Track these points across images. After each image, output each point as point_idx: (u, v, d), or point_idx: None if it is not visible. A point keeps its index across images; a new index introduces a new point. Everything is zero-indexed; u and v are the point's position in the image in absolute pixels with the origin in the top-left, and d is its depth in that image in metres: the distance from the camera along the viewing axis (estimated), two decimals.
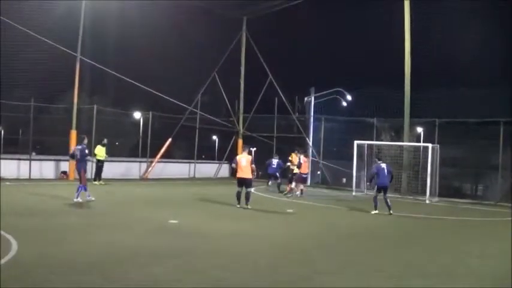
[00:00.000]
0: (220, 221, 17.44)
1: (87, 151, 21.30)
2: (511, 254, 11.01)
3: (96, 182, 28.71)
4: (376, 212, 21.04)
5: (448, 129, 31.28)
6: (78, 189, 20.28)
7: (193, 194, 26.67)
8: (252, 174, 21.44)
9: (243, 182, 21.15)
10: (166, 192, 25.00)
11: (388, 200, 21.18)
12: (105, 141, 29.95)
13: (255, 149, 42.43)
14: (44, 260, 10.48)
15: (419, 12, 31.24)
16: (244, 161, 21.20)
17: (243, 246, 13.35)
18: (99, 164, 29.68)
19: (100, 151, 29.63)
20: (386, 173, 21.43)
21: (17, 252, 10.94)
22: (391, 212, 20.83)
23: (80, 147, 20.95)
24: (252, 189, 21.90)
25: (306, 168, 28.23)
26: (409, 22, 31.28)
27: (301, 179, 27.80)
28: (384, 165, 21.67)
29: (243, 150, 22.46)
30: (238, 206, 21.01)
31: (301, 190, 27.63)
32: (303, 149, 29.46)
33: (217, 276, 10.09)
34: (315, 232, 16.38)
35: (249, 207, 20.79)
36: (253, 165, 21.49)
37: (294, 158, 29.64)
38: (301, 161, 27.37)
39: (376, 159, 23.13)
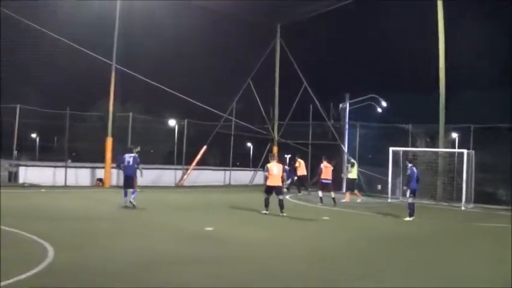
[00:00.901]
0: (255, 228, 17.53)
1: (139, 159, 22.28)
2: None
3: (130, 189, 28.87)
4: (411, 219, 20.64)
5: (482, 135, 30.91)
6: (133, 193, 21.64)
7: (229, 201, 26.73)
8: (283, 184, 21.97)
9: (273, 190, 21.37)
10: (201, 199, 25.10)
11: None
12: (139, 148, 30.04)
13: (289, 155, 42.44)
14: (79, 266, 10.61)
15: (453, 19, 31.02)
16: (276, 169, 21.41)
17: (279, 252, 13.38)
18: None
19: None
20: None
21: (53, 259, 11.06)
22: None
23: (133, 155, 22.19)
24: (287, 196, 22.03)
25: (327, 174, 27.34)
26: (443, 28, 30.98)
27: (322, 185, 27.22)
28: (414, 169, 21.30)
29: (272, 159, 22.25)
30: (266, 212, 21.26)
31: (321, 198, 26.66)
32: (325, 155, 29.32)
33: (250, 283, 10.14)
34: (350, 239, 16.30)
35: (284, 214, 20.80)
36: (284, 174, 21.66)
37: (299, 164, 31.83)
38: (322, 167, 27.24)
39: (408, 162, 22.61)
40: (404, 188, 21.41)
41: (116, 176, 31.75)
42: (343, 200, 28.27)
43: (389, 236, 17.30)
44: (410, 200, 20.89)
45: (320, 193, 26.83)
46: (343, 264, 12.35)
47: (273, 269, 11.47)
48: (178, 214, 20.57)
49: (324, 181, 27.16)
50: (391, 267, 12.15)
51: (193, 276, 10.35)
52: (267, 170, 21.60)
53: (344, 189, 32.64)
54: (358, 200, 28.99)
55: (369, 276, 11.11)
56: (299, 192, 32.12)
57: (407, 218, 20.69)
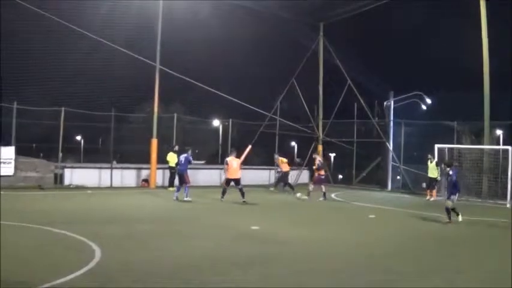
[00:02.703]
0: (301, 227, 17.54)
1: (190, 158, 25.30)
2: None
3: (170, 189, 29.23)
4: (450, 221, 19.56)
5: None
6: (185, 189, 24.45)
7: (274, 200, 26.98)
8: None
9: (232, 181, 25.01)
10: (247, 198, 25.31)
11: None
12: (177, 148, 30.44)
13: (334, 154, 42.47)
14: (127, 268, 10.77)
15: (496, 12, 30.67)
16: (235, 163, 24.90)
17: (325, 251, 13.45)
18: (172, 171, 30.08)
19: (172, 158, 30.11)
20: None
21: (100, 259, 11.28)
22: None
23: (185, 155, 25.22)
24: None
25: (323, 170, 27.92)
26: (485, 22, 30.64)
27: (320, 180, 27.67)
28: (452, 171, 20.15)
29: (231, 153, 25.81)
30: (222, 199, 24.61)
31: (324, 193, 27.43)
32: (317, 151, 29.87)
33: (299, 282, 10.28)
34: (398, 237, 16.31)
35: (245, 200, 24.03)
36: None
37: (280, 161, 32.09)
38: (318, 162, 27.65)
39: (451, 164, 21.97)
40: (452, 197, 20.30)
41: (161, 177, 32.18)
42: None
43: (438, 234, 17.26)
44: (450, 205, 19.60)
45: (311, 187, 27.53)
46: (393, 262, 12.44)
47: (326, 268, 11.60)
48: (225, 214, 20.77)
49: (322, 176, 27.65)
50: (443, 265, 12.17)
51: (244, 277, 10.47)
52: (227, 164, 25.17)
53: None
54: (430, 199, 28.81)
55: (421, 274, 11.20)
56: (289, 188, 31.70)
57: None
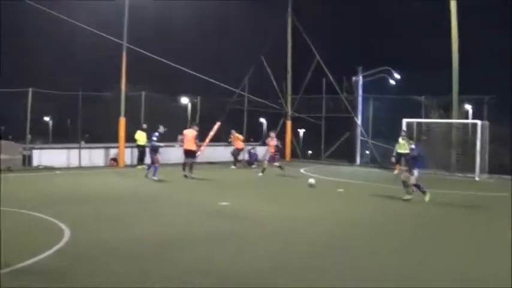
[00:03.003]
0: (270, 203, 17.73)
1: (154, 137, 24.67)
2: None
3: (139, 167, 29.21)
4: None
5: (498, 106, 30.87)
6: (154, 169, 23.74)
7: (243, 177, 26.99)
8: (197, 149, 26.35)
9: (187, 153, 25.28)
10: (215, 175, 25.32)
11: None
12: (145, 126, 30.23)
13: (303, 130, 42.54)
14: (97, 247, 10.77)
15: None
16: (190, 135, 25.22)
17: (296, 227, 13.63)
18: (141, 149, 30.20)
19: (140, 136, 30.01)
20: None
21: (69, 239, 11.27)
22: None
23: (156, 133, 24.69)
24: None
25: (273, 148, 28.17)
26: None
27: (273, 158, 28.21)
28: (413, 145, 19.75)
29: (191, 126, 26.37)
30: (184, 173, 25.12)
31: (264, 169, 27.50)
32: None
33: (270, 256, 10.39)
34: (367, 212, 16.48)
35: (193, 176, 24.56)
36: (197, 141, 25.67)
37: (235, 137, 32.64)
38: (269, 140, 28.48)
39: (407, 138, 21.60)
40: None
41: (130, 155, 31.98)
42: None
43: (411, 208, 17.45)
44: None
45: (266, 163, 27.67)
46: (360, 236, 12.65)
47: (298, 242, 11.76)
48: (193, 191, 20.75)
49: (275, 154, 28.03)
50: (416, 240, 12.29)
51: (215, 252, 10.56)
52: (183, 135, 25.53)
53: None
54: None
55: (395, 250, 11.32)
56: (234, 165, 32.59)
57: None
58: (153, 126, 26.58)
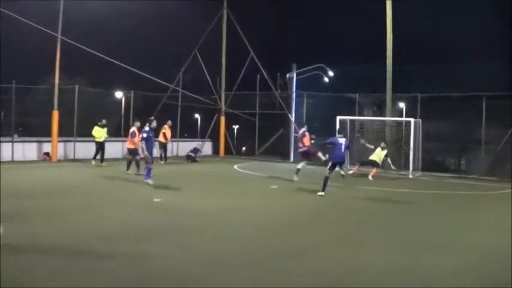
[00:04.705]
0: (204, 198, 17.65)
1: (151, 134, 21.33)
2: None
3: (93, 162, 28.40)
4: (323, 194, 19.13)
5: (431, 104, 31.46)
6: (148, 171, 20.60)
7: (176, 172, 26.76)
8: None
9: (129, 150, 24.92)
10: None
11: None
12: (104, 121, 29.01)
13: (237, 126, 42.50)
14: (31, 243, 10.48)
15: None
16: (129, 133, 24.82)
17: (230, 221, 13.62)
18: (98, 146, 28.69)
19: (98, 132, 28.60)
20: (343, 148, 19.94)
21: (1, 234, 10.87)
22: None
23: (147, 129, 21.11)
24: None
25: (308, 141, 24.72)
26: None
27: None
28: (342, 140, 19.97)
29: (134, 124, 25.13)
30: (128, 172, 24.59)
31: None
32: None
33: (210, 251, 10.32)
34: (299, 207, 16.57)
35: (140, 173, 22.86)
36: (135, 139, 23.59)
37: (167, 130, 31.51)
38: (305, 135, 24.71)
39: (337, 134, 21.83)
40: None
41: (63, 150, 31.40)
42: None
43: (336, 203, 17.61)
44: (327, 174, 19.39)
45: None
46: (297, 232, 12.64)
47: (233, 237, 11.74)
48: (127, 186, 20.48)
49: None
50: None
51: (153, 247, 10.43)
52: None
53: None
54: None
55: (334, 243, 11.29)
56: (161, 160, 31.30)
57: (321, 193, 19.12)
58: (93, 121, 26.07)
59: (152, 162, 20.71)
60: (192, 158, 34.40)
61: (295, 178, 23.64)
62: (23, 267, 8.85)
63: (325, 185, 19.11)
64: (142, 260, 9.50)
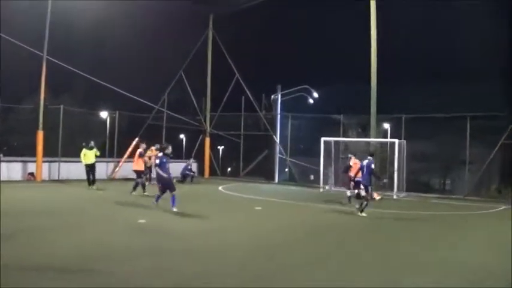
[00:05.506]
0: (189, 220, 17.44)
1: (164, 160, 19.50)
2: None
3: (94, 187, 26.82)
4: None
5: (415, 125, 31.64)
6: (172, 199, 19.06)
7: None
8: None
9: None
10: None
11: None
12: (92, 143, 27.75)
13: (222, 147, 42.57)
14: (13, 263, 10.28)
15: (386, 9, 31.51)
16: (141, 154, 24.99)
17: (214, 243, 13.42)
18: (87, 169, 27.20)
19: (86, 155, 27.00)
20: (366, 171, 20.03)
21: None
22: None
23: (161, 154, 19.77)
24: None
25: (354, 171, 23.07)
26: (375, 19, 31.37)
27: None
28: (364, 162, 20.31)
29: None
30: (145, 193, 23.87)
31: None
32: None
33: (190, 273, 10.19)
34: (285, 229, 16.44)
35: (146, 194, 23.50)
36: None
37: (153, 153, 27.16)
38: (351, 163, 23.87)
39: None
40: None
41: (47, 170, 31.31)
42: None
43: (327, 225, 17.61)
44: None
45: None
46: (280, 253, 12.53)
47: (215, 259, 11.58)
48: (113, 208, 20.34)
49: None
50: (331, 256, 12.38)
51: (134, 269, 10.32)
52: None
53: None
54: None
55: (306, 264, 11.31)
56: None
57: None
58: (78, 141, 25.86)
59: (175, 189, 19.24)
60: (190, 176, 33.95)
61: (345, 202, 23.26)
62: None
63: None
64: (121, 280, 9.48)
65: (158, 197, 19.40)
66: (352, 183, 22.91)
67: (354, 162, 23.45)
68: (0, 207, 15.27)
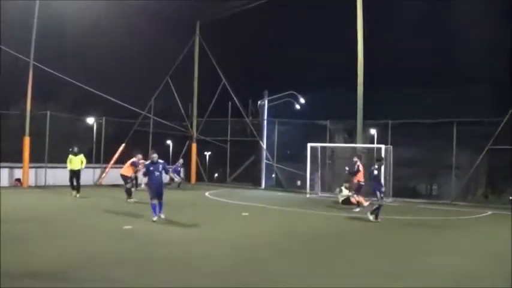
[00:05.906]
0: (175, 226, 17.40)
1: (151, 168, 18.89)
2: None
3: (78, 195, 26.06)
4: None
5: (401, 130, 31.72)
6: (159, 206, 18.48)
7: (147, 200, 26.62)
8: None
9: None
10: (120, 198, 24.78)
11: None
12: (76, 149, 27.12)
13: (209, 153, 42.55)
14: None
15: (372, 14, 31.64)
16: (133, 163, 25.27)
17: (200, 250, 13.39)
18: (71, 174, 26.41)
19: (72, 161, 26.33)
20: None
21: None
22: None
23: (162, 161, 19.07)
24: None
25: (362, 176, 24.07)
26: (361, 24, 31.43)
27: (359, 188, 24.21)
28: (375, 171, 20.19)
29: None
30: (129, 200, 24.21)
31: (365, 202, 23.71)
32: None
33: (172, 280, 10.18)
34: (271, 235, 16.45)
35: (129, 200, 24.04)
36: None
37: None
38: (360, 168, 24.20)
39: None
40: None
41: (34, 176, 31.22)
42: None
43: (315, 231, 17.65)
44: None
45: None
46: (267, 260, 12.52)
47: (200, 265, 11.55)
48: (99, 214, 20.26)
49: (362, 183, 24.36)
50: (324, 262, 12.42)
51: (120, 275, 10.31)
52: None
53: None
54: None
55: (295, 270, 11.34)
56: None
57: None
58: (65, 147, 25.73)
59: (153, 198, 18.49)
60: (177, 181, 33.77)
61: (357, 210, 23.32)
62: None
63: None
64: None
65: (155, 207, 18.24)
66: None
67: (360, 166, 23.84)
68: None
